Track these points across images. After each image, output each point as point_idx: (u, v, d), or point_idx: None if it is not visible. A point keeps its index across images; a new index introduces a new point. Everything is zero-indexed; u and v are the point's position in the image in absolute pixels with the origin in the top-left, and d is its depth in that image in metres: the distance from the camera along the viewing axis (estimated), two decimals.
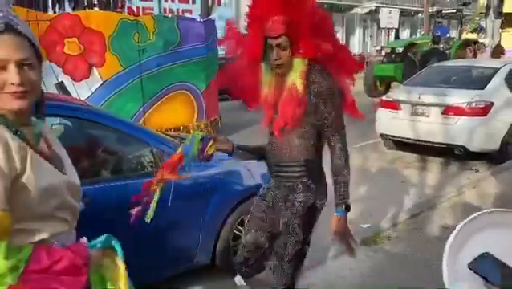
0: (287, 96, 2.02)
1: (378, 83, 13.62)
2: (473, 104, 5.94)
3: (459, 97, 6.09)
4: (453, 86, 6.50)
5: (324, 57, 2.03)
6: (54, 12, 7.95)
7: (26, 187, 1.18)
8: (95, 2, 8.50)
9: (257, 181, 3.28)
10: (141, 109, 7.14)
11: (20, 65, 1.19)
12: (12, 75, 1.17)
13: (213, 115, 8.31)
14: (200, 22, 7.88)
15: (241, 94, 2.35)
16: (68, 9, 7.98)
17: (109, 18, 6.80)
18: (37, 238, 1.22)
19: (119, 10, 9.11)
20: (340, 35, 30.15)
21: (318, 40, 1.99)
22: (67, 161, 1.46)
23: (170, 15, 7.83)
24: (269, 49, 1.98)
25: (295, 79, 2.00)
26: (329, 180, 2.16)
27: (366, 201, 4.84)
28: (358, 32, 31.45)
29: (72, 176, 1.42)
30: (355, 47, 31.01)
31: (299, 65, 2.00)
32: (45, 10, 7.67)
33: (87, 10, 8.21)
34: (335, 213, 2.04)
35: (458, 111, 5.98)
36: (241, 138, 7.46)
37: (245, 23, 2.09)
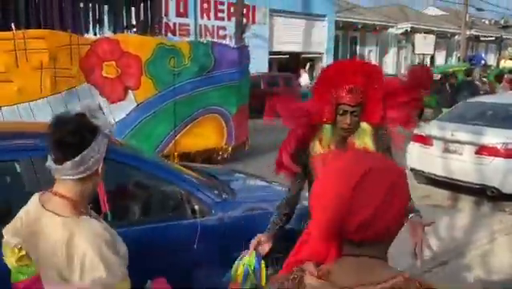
0: None
1: None
2: (509, 146, 5.77)
3: (494, 137, 5.93)
4: (488, 124, 6.32)
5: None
6: (95, 33, 8.26)
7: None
8: (134, 23, 8.75)
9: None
10: (172, 131, 7.29)
11: None
12: None
13: (242, 138, 8.38)
14: (234, 48, 8.01)
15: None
16: (108, 31, 8.27)
17: (147, 42, 7.01)
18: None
19: (157, 25, 9.30)
20: (374, 55, 29.91)
21: (384, 108, 2.13)
22: None
23: (205, 40, 7.96)
24: (339, 113, 2.07)
25: (367, 141, 2.12)
26: None
27: None
28: (392, 52, 31.10)
29: None
30: (389, 68, 30.65)
31: (367, 129, 2.14)
32: (86, 30, 7.96)
33: (126, 30, 8.47)
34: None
35: (493, 151, 5.82)
36: (268, 160, 7.49)
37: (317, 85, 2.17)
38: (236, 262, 2.20)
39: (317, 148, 2.16)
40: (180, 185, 3.06)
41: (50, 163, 1.44)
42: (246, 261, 2.13)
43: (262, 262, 2.16)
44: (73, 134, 1.39)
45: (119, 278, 1.36)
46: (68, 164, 1.39)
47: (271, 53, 22.15)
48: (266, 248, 2.16)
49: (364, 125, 2.13)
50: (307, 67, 21.93)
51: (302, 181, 2.29)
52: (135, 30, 8.70)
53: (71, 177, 1.41)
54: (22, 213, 1.51)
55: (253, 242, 2.16)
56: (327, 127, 2.13)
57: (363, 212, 0.91)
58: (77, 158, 1.39)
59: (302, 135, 2.14)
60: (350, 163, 0.98)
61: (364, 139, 2.12)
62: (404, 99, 2.15)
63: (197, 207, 3.04)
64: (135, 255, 2.62)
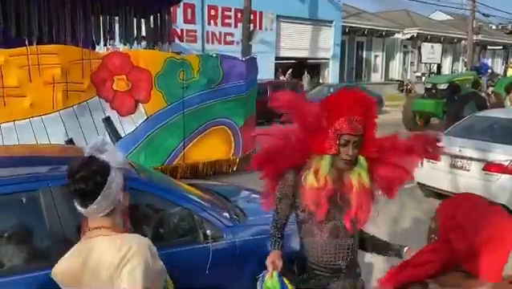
0: (362, 192, 2.06)
1: (417, 118, 13.44)
2: None
3: (502, 153, 5.94)
4: (496, 140, 6.33)
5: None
6: (105, 44, 8.37)
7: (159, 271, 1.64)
8: (144, 35, 8.84)
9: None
10: (181, 144, 7.38)
11: None
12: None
13: (249, 148, 8.44)
14: (242, 60, 8.09)
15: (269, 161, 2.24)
16: (119, 43, 8.37)
17: (157, 56, 7.12)
18: None
19: (166, 36, 9.32)
20: (380, 60, 29.92)
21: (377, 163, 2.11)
22: None
23: (214, 54, 8.03)
24: (341, 144, 2.02)
25: (363, 176, 2.07)
26: None
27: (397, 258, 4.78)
28: (398, 57, 31.11)
29: None
30: (395, 73, 30.65)
31: (364, 162, 2.09)
32: (97, 42, 8.07)
33: (137, 42, 8.57)
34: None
35: (500, 168, 5.83)
36: None
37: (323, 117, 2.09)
38: (258, 287, 2.08)
39: (311, 179, 2.06)
40: (192, 209, 3.12)
41: (77, 206, 1.57)
42: (270, 285, 2.01)
43: (285, 279, 2.06)
44: (85, 182, 1.50)
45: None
46: (92, 207, 1.52)
47: (277, 58, 22.23)
48: (280, 264, 2.06)
49: (361, 159, 2.09)
50: (289, 72, 21.65)
51: (289, 204, 2.18)
52: (145, 41, 8.78)
53: (100, 215, 1.55)
54: (69, 253, 1.63)
55: (270, 261, 2.05)
56: (327, 158, 2.04)
57: None
58: (97, 201, 1.51)
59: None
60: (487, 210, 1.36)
61: (361, 174, 2.07)
62: (398, 162, 2.13)
63: (209, 232, 3.10)
64: None
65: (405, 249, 2.20)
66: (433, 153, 2.20)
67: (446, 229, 1.40)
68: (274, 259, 2.05)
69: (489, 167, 5.94)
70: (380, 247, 2.31)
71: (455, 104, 9.11)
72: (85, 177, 1.50)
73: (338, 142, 2.02)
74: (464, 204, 1.44)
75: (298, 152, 2.16)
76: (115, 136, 6.73)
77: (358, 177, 2.06)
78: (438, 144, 2.20)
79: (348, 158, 2.03)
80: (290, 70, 21.92)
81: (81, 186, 1.50)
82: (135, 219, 3.05)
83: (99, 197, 1.51)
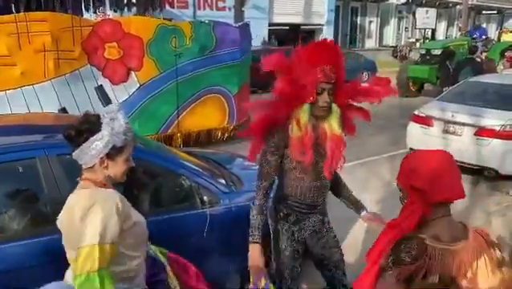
0: (335, 139, 2.22)
1: (411, 84, 13.44)
2: (508, 128, 5.86)
3: (493, 118, 6.01)
4: (488, 105, 6.38)
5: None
6: (95, 11, 8.19)
7: (131, 227, 1.78)
8: (134, 1, 8.66)
9: None
10: (175, 112, 7.36)
11: None
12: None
13: (244, 117, 8.43)
14: (236, 27, 7.96)
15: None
16: (109, 10, 8.19)
17: (148, 23, 6.98)
18: (135, 262, 1.84)
19: (157, 2, 9.16)
20: (374, 26, 29.55)
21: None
22: None
23: (206, 20, 7.88)
24: (318, 92, 2.14)
25: (334, 124, 2.22)
26: None
27: None
28: (393, 23, 30.73)
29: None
30: (389, 39, 30.35)
31: (336, 109, 2.22)
32: (87, 9, 7.89)
33: (127, 9, 8.40)
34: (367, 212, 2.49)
35: (492, 133, 5.91)
36: None
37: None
38: None
39: (294, 128, 2.18)
40: (189, 176, 3.16)
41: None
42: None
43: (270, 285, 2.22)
44: (74, 131, 1.74)
45: (104, 239, 1.64)
46: (74, 153, 1.77)
47: (271, 25, 21.88)
48: (263, 267, 2.21)
49: (334, 107, 2.21)
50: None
51: (276, 168, 2.27)
52: (135, 8, 8.61)
53: (84, 167, 1.79)
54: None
55: (254, 268, 2.20)
56: (305, 107, 2.16)
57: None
58: (78, 149, 1.75)
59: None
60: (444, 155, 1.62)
61: (333, 123, 2.21)
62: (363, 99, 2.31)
63: (205, 197, 3.16)
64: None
65: (363, 213, 2.46)
66: (387, 94, 2.30)
67: (406, 183, 1.58)
68: (257, 264, 2.19)
69: (481, 132, 6.01)
70: (347, 199, 2.56)
71: (451, 70, 9.07)
72: (75, 127, 1.74)
73: (315, 91, 2.13)
74: (406, 160, 1.65)
75: (283, 106, 2.22)
76: (107, 104, 6.68)
77: (330, 126, 2.21)
78: (390, 85, 2.34)
79: (325, 105, 2.16)
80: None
81: (70, 132, 1.74)
82: (134, 186, 3.12)
83: (79, 147, 1.74)
